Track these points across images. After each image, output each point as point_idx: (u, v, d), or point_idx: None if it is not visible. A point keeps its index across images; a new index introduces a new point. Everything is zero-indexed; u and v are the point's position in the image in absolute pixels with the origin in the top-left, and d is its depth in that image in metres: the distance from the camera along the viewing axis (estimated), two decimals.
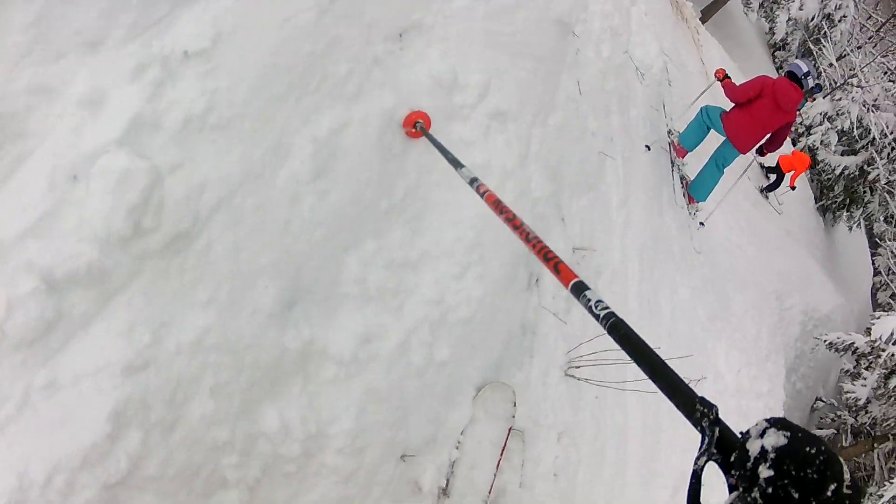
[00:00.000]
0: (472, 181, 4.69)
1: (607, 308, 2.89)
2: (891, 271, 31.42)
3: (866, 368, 18.48)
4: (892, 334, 16.07)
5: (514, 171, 7.46)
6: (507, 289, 7.21)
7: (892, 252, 32.16)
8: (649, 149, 11.69)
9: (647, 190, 11.36)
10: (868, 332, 16.70)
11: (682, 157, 12.98)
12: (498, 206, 4.19)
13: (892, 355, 16.04)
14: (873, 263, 36.99)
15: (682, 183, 12.90)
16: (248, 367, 4.92)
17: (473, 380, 6.66)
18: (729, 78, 11.59)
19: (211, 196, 4.88)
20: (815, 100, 30.37)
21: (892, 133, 29.95)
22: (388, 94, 6.22)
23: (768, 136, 11.74)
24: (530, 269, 7.70)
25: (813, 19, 34.76)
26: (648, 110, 12.34)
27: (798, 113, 27.13)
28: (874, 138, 30.19)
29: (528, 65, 8.28)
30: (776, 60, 36.85)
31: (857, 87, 30.43)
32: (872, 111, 30.08)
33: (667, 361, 2.34)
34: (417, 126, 6.12)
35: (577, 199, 9.15)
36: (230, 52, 5.17)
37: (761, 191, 24.49)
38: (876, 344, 16.31)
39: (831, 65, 34.83)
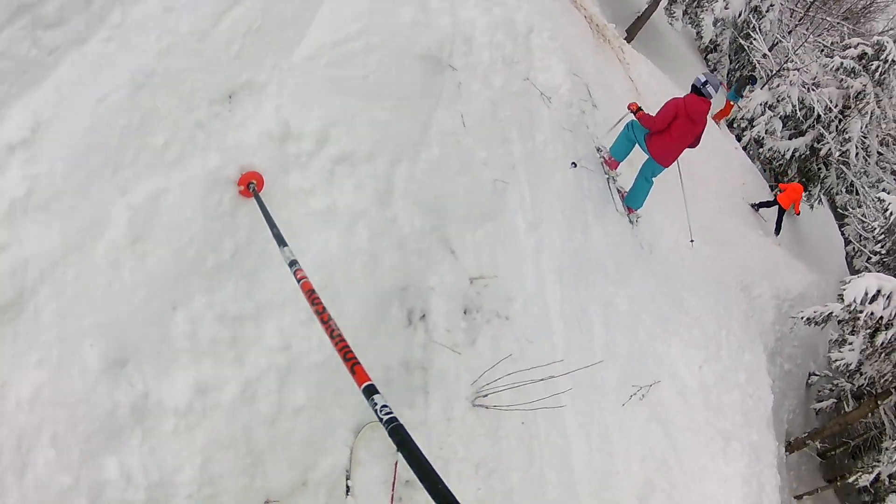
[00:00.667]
0: (292, 263, 4.90)
1: (390, 413, 3.16)
2: (861, 237, 31.19)
3: (850, 333, 18.30)
4: (865, 294, 15.93)
5: (367, 211, 7.44)
6: (377, 328, 7.11)
7: (858, 219, 31.97)
8: (575, 165, 12.15)
9: (565, 210, 11.40)
10: (841, 298, 16.57)
11: (615, 169, 13.44)
12: (311, 296, 4.43)
13: (871, 314, 15.88)
14: (843, 234, 36.90)
15: (619, 195, 13.42)
16: (83, 420, 5.05)
17: (346, 422, 6.54)
18: (641, 110, 12.30)
19: (35, 269, 5.15)
20: (752, 91, 30.45)
21: (836, 106, 30.08)
22: (214, 156, 6.33)
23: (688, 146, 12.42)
24: (410, 306, 7.63)
25: (740, 15, 34.74)
26: (559, 132, 12.34)
27: (734, 105, 27.33)
28: (819, 115, 30.27)
29: (387, 104, 8.35)
30: (709, 63, 37.01)
31: (794, 70, 30.67)
32: (813, 90, 30.24)
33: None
34: (251, 187, 6.23)
35: (472, 229, 9.17)
36: (49, 139, 5.46)
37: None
38: (852, 308, 16.19)
39: (765, 55, 35.06)
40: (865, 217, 31.33)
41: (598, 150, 13.36)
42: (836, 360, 19.08)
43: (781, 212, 25.05)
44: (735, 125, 31.17)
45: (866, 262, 27.18)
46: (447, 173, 8.99)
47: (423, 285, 7.91)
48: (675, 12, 31.55)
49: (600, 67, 18.39)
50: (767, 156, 30.74)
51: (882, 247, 20.07)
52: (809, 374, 21.99)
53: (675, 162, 12.93)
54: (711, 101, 11.89)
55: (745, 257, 19.82)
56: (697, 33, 34.77)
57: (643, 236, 14.13)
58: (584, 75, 15.22)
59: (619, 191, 13.53)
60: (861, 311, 16.10)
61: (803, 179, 31.52)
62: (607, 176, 13.39)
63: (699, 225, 17.36)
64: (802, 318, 18.60)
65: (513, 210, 10.15)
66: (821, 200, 32.15)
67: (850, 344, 18.79)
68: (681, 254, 15.88)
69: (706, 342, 13.98)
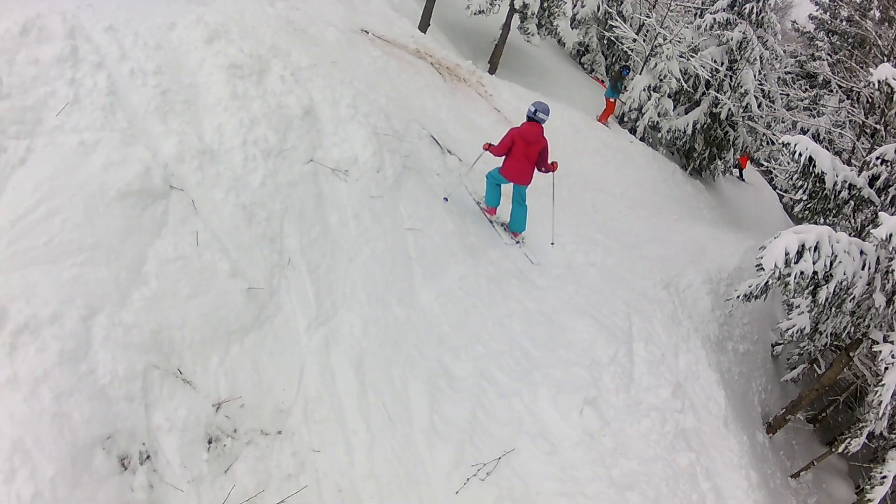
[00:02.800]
0: None
1: None
2: (792, 184, 29.59)
3: (794, 297, 16.71)
4: (787, 255, 14.18)
5: (50, 373, 7.32)
6: (77, 481, 6.93)
7: (783, 165, 30.40)
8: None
9: (376, 286, 11.45)
10: (760, 268, 14.86)
11: (495, 214, 15.25)
12: None
13: (801, 273, 14.12)
14: (775, 188, 35.50)
15: (503, 228, 15.15)
16: None
17: None
18: (490, 144, 14.21)
19: None
20: (630, 80, 28.95)
21: (722, 64, 29.16)
22: None
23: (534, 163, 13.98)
24: (122, 451, 7.47)
25: (599, 9, 33.68)
26: (365, 202, 12.47)
27: (615, 101, 25.82)
28: (707, 80, 29.39)
29: (76, 260, 8.26)
30: (585, 66, 35.77)
31: (667, 43, 29.12)
32: (692, 56, 29.26)
33: None
34: None
35: (221, 351, 9.00)
36: None
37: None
38: (776, 274, 14.45)
39: (634, 40, 33.59)
40: (785, 164, 29.71)
41: (478, 203, 15.17)
42: (789, 329, 17.64)
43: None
44: (626, 119, 29.61)
45: (804, 208, 25.31)
46: (173, 303, 8.80)
47: (142, 427, 7.72)
48: (528, 28, 29.87)
49: (459, 109, 18.85)
50: (668, 138, 29.31)
51: (804, 192, 18.32)
52: (772, 346, 20.40)
53: (552, 179, 15.29)
54: (543, 123, 13.68)
55: (662, 252, 18.65)
56: (559, 41, 33.35)
57: (532, 266, 14.61)
58: (434, 122, 16.69)
59: (501, 225, 15.19)
60: (789, 275, 14.25)
61: (714, 150, 30.09)
62: (490, 221, 15.09)
63: (604, 234, 17.38)
64: (739, 296, 16.77)
65: (288, 311, 10.08)
66: (736, 165, 30.46)
67: (797, 307, 17.72)
68: (579, 274, 15.19)
69: (595, 375, 12.36)
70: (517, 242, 14.93)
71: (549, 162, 14.09)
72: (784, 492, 15.25)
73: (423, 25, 25.62)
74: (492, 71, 28.40)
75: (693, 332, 15.71)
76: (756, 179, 35.95)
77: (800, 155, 17.17)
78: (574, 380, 11.98)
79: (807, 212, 18.59)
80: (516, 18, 29.63)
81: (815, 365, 19.29)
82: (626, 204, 21.71)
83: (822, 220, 17.68)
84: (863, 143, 28.36)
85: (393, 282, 11.67)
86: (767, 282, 15.96)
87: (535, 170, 14.13)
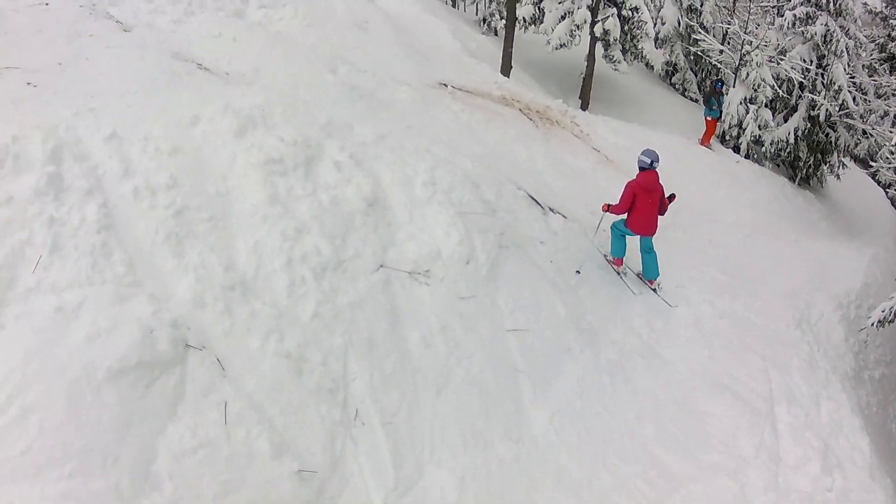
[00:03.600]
0: None
1: None
2: None
3: None
4: None
5: None
6: None
7: (885, 158, 27.59)
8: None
9: (474, 419, 9.45)
10: None
11: (621, 265, 14.16)
12: None
13: None
14: (879, 183, 33.19)
15: (637, 276, 14.30)
16: None
17: None
18: (609, 204, 13.28)
19: None
20: (725, 94, 26.28)
21: (811, 63, 26.87)
22: None
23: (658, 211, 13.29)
24: None
25: (679, 23, 31.47)
26: (454, 305, 10.46)
27: (718, 120, 24.67)
28: (800, 82, 27.04)
29: (63, 472, 6.49)
30: (676, 86, 33.29)
31: (754, 49, 26.63)
32: (781, 60, 26.95)
33: None
34: None
35: None
36: None
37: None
38: None
39: (721, 51, 30.93)
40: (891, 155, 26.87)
41: (605, 256, 14.12)
42: None
43: None
44: (727, 137, 26.94)
45: None
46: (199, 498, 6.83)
47: None
48: (613, 56, 27.63)
49: (556, 155, 17.57)
50: (772, 151, 26.51)
51: None
52: None
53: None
54: (657, 168, 12.99)
55: (788, 282, 16.78)
56: (646, 64, 30.71)
57: (660, 334, 13.05)
58: (529, 176, 15.05)
59: (636, 274, 14.37)
60: None
61: (818, 155, 27.52)
62: (618, 273, 14.08)
63: (726, 272, 16.04)
64: (873, 324, 14.94)
65: (357, 486, 7.93)
66: (843, 165, 27.59)
67: None
68: (709, 332, 13.62)
69: (742, 481, 10.37)
70: (654, 290, 14.15)
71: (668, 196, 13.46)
72: None
73: (505, 69, 23.48)
74: (584, 107, 26.34)
75: (832, 372, 13.89)
76: (859, 176, 32.96)
77: None
78: (719, 495, 10.07)
79: None
80: (599, 47, 27.52)
81: None
82: (743, 232, 19.72)
83: None
84: None
85: (495, 410, 9.55)
86: None
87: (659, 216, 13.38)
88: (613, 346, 11.97)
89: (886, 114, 28.44)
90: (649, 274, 14.04)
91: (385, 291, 9.71)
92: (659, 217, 13.49)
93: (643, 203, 13.03)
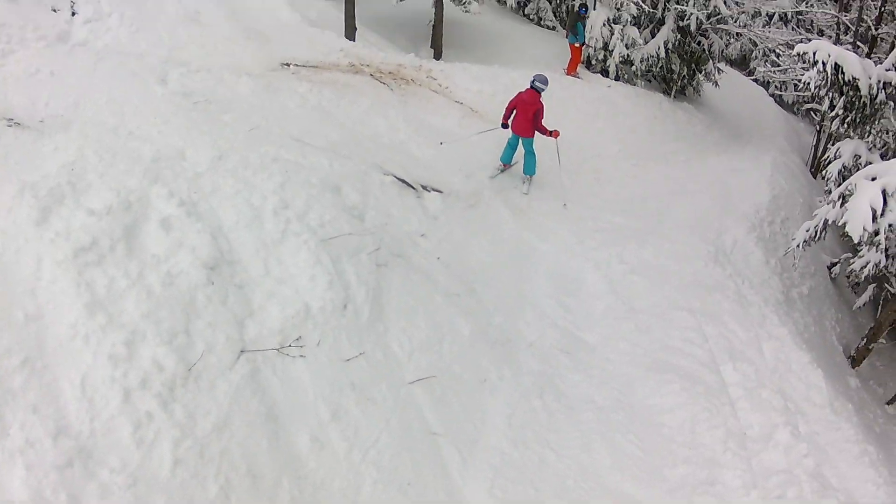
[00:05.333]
0: None
1: None
2: (817, 97, 25.67)
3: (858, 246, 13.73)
4: (873, 212, 11.28)
5: None
6: None
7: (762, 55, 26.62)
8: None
9: None
10: (845, 234, 12.30)
11: (508, 168, 15.99)
12: None
13: (889, 226, 11.62)
14: (757, 82, 33.58)
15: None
16: None
17: None
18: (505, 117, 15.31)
19: None
20: (587, 18, 24.61)
21: None
22: None
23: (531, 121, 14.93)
24: None
25: None
26: (341, 372, 8.63)
27: (583, 45, 24.46)
28: None
29: None
30: (531, 17, 31.60)
31: None
32: None
33: None
34: None
35: None
36: None
37: None
38: (866, 236, 11.48)
39: None
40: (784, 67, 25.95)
41: (500, 168, 15.86)
42: (863, 267, 14.68)
43: None
44: (593, 62, 25.57)
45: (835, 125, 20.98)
46: None
47: None
48: None
49: (418, 118, 16.46)
50: (643, 68, 25.20)
51: (841, 107, 14.69)
52: (829, 269, 18.19)
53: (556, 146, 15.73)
54: (541, 91, 14.91)
55: (691, 210, 16.33)
56: (498, 0, 28.78)
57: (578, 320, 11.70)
58: (395, 152, 14.14)
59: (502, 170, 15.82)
60: (877, 231, 11.57)
61: (692, 66, 26.38)
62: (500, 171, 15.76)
63: (624, 213, 15.63)
64: (798, 245, 14.01)
65: None
66: (719, 71, 26.80)
67: (860, 256, 14.89)
68: (627, 297, 12.64)
69: (715, 476, 9.37)
70: (524, 183, 15.70)
71: (550, 130, 15.12)
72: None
73: (350, 32, 21.57)
74: (437, 56, 24.56)
75: (763, 305, 13.35)
76: (735, 78, 32.03)
77: (823, 64, 14.16)
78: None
79: (845, 126, 15.38)
80: None
81: (886, 284, 16.60)
82: (630, 161, 18.93)
83: (861, 131, 15.09)
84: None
85: (421, 498, 7.83)
86: (826, 219, 13.28)
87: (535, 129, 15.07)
88: (532, 352, 10.46)
89: (758, 13, 27.05)
90: (527, 170, 15.66)
91: (254, 388, 7.73)
92: (536, 132, 15.11)
93: (520, 112, 14.99)
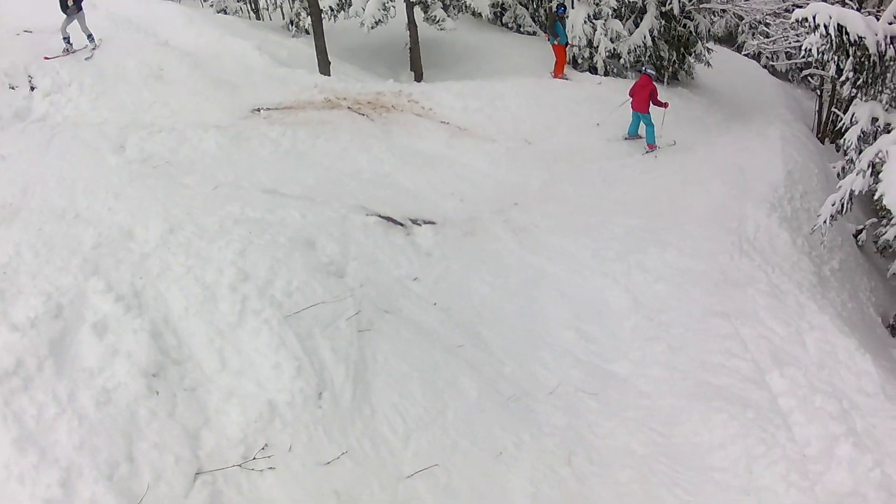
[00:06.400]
0: None
1: None
2: (821, 62, 24.17)
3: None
4: None
5: None
6: None
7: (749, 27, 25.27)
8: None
9: None
10: (881, 210, 12.78)
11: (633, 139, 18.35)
12: None
13: None
14: (746, 55, 32.62)
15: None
16: None
17: None
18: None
19: None
20: (566, 17, 23.05)
21: None
22: None
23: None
24: None
25: None
26: (321, 481, 6.74)
27: (566, 45, 22.81)
28: None
29: None
30: (509, 26, 30.16)
31: None
32: None
33: None
34: None
35: None
36: None
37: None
38: None
39: None
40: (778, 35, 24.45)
41: (625, 136, 18.38)
42: (892, 237, 15.11)
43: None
44: (580, 61, 24.24)
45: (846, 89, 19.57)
46: None
47: None
48: (435, 16, 23.66)
49: (403, 146, 15.24)
50: (632, 60, 23.72)
51: (849, 70, 13.62)
52: (855, 236, 17.02)
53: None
54: (651, 75, 17.81)
55: (707, 202, 14.76)
56: (473, 13, 26.83)
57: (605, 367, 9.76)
58: (379, 187, 12.88)
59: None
60: None
61: (682, 51, 24.79)
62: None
63: (639, 216, 13.86)
64: (825, 220, 13.09)
65: None
66: (708, 51, 25.40)
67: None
68: (655, 314, 11.08)
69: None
70: (648, 150, 17.80)
71: (663, 102, 17.65)
72: None
73: (324, 66, 20.25)
74: (418, 79, 23.15)
75: (798, 293, 12.05)
76: (724, 55, 30.41)
77: (825, 27, 12.78)
78: None
79: (855, 90, 14.57)
80: (419, 11, 23.84)
81: None
82: (634, 158, 17.59)
83: (874, 92, 13.78)
84: None
85: None
86: (852, 190, 12.73)
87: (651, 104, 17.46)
88: (554, 402, 8.64)
89: None
90: (648, 139, 17.84)
91: None
92: (650, 105, 17.48)
93: (636, 95, 17.63)
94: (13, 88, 14.55)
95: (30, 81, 14.86)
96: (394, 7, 23.32)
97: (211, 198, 10.33)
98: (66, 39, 16.47)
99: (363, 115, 16.24)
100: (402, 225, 11.13)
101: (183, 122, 13.81)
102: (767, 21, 24.90)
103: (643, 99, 17.49)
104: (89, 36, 16.86)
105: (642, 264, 11.91)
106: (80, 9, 16.53)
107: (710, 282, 11.64)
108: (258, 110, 15.50)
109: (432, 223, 11.56)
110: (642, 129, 18.00)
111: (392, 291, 9.42)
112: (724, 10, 25.29)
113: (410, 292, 9.61)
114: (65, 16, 16.33)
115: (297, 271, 8.72)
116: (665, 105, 17.51)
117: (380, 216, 11.02)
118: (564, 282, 11.13)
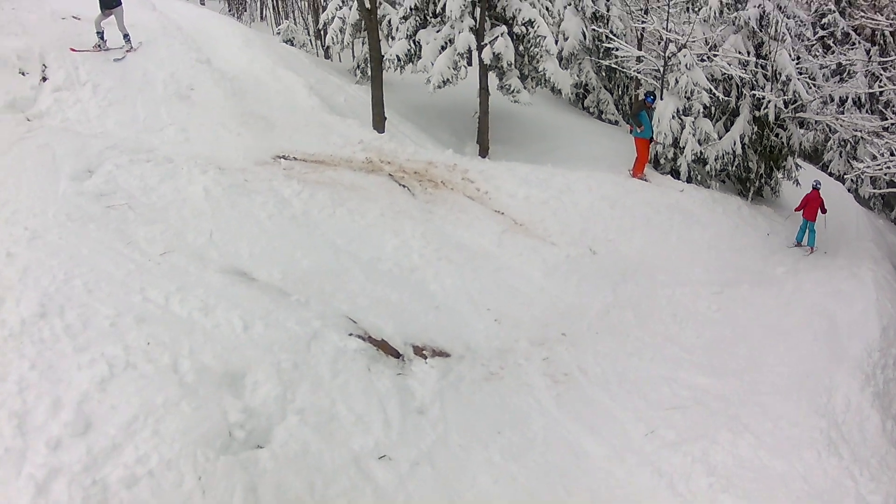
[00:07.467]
0: None
1: None
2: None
3: None
4: None
5: None
6: None
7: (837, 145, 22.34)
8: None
9: None
10: None
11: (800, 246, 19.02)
12: None
13: None
14: (831, 175, 29.74)
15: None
16: None
17: None
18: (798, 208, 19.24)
19: None
20: (654, 108, 20.11)
21: (749, 53, 20.81)
22: None
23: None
24: None
25: (585, 35, 26.34)
26: None
27: (651, 140, 20.04)
28: (740, 79, 20.84)
29: None
30: (591, 111, 27.76)
31: (680, 50, 20.38)
32: (714, 56, 20.86)
33: None
34: None
35: None
36: None
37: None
38: None
39: (639, 59, 24.67)
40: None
41: (798, 244, 18.85)
42: None
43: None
44: (662, 161, 21.07)
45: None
46: None
47: None
48: (511, 85, 20.80)
49: (442, 234, 12.63)
50: (718, 167, 20.66)
51: None
52: None
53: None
54: (818, 189, 18.93)
55: (793, 359, 11.84)
56: (552, 89, 24.06)
57: None
58: (399, 288, 10.10)
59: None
60: None
61: (771, 164, 22.03)
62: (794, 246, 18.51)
63: (709, 368, 11.12)
64: None
65: None
66: (797, 167, 22.39)
67: None
68: None
69: None
70: (807, 254, 18.39)
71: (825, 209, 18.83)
72: None
73: (378, 121, 17.55)
74: (483, 153, 20.36)
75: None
76: (808, 172, 27.49)
77: None
78: None
79: None
80: (493, 77, 21.00)
81: None
82: (712, 289, 14.17)
83: None
84: None
85: None
86: None
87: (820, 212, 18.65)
88: None
89: (832, 99, 22.70)
90: (810, 242, 18.73)
91: None
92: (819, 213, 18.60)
93: (810, 204, 18.56)
94: (23, 74, 13.28)
95: (43, 71, 13.57)
96: (466, 69, 20.40)
97: (144, 269, 7.74)
98: (100, 35, 15.50)
99: (404, 186, 13.69)
100: (397, 356, 8.30)
101: (186, 154, 11.63)
102: (860, 138, 22.50)
103: (814, 209, 18.77)
104: (125, 36, 15.80)
105: (708, 459, 8.78)
106: (119, 3, 15.56)
107: (789, 494, 8.55)
108: (281, 157, 13.09)
109: (445, 355, 8.78)
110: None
111: (335, 483, 6.21)
112: (816, 122, 22.65)
113: (367, 485, 6.37)
114: (100, 10, 15.37)
115: (169, 439, 5.59)
116: (824, 211, 18.86)
117: (369, 339, 8.20)
118: (602, 475, 7.83)
